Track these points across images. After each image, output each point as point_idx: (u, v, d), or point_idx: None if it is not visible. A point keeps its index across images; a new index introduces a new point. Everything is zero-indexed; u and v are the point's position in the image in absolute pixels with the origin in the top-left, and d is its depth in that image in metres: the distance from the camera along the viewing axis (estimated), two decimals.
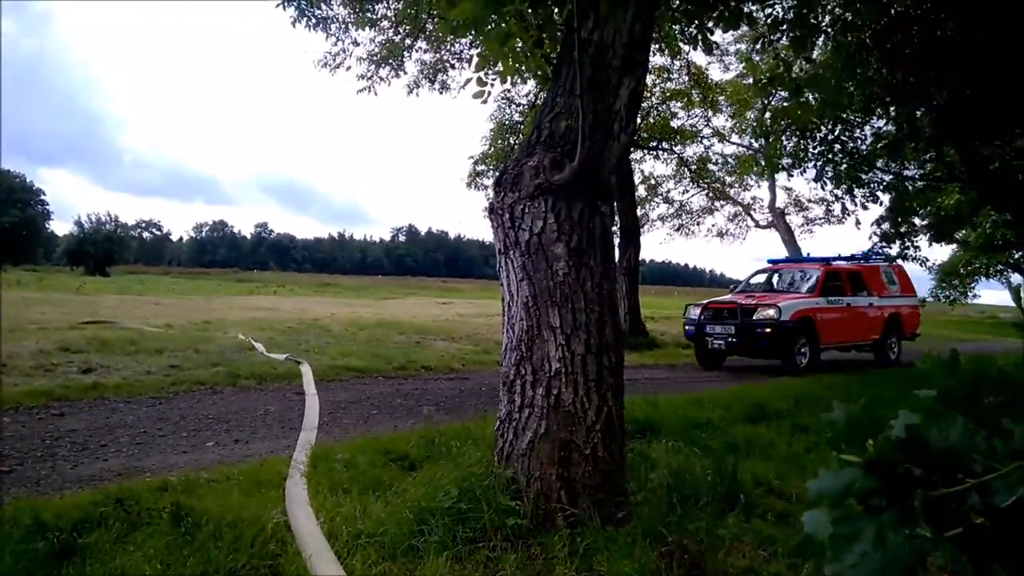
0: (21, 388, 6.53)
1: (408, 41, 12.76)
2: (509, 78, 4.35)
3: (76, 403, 6.30)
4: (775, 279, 13.49)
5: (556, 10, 4.90)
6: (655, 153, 19.37)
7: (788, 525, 3.25)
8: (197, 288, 36.84)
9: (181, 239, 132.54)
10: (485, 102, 4.36)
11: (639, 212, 18.97)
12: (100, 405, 6.31)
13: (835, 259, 13.59)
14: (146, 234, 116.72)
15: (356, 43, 12.50)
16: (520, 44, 4.46)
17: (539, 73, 4.92)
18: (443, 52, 13.85)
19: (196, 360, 8.61)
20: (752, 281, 13.73)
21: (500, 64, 4.09)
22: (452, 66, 14.16)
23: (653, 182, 21.68)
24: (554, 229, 3.34)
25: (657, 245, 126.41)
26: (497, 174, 3.83)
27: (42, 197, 71.63)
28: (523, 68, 4.35)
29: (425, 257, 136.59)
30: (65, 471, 4.39)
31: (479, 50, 4.57)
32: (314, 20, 11.12)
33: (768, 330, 10.86)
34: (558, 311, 3.31)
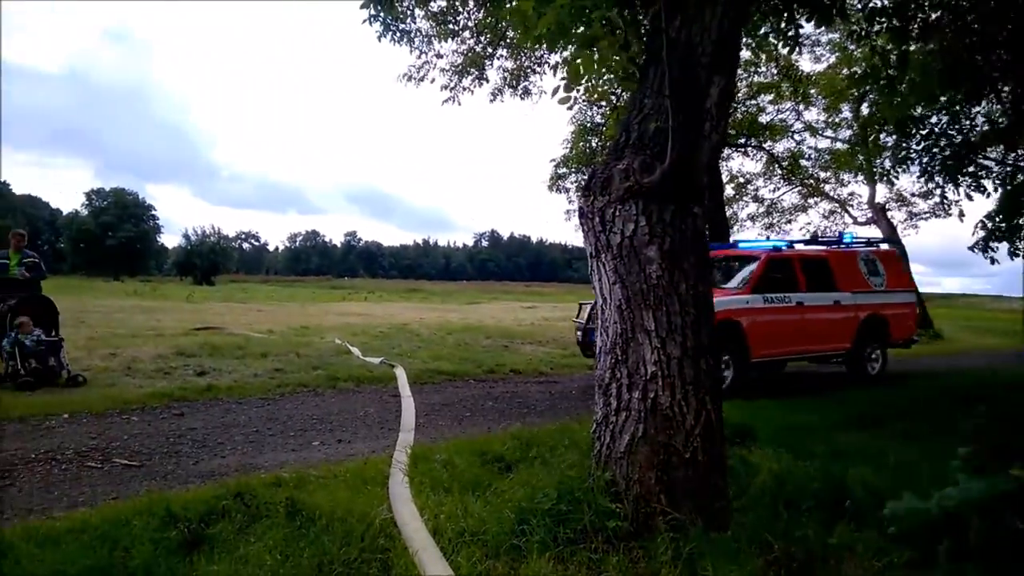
0: (146, 390, 7.13)
1: (489, 50, 12.96)
2: (596, 83, 4.38)
3: (194, 403, 6.81)
4: None
5: (642, 11, 4.86)
6: (743, 150, 18.78)
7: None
8: (293, 295, 38.75)
9: (277, 249, 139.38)
10: (571, 108, 4.38)
11: (727, 212, 18.44)
12: (215, 405, 6.79)
13: (794, 243, 10.52)
14: (246, 245, 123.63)
15: (439, 55, 12.80)
16: (605, 46, 4.46)
17: (624, 75, 4.89)
18: (524, 59, 13.97)
19: (298, 364, 9.10)
20: None
21: (585, 73, 4.08)
22: (533, 71, 14.26)
23: (742, 180, 21.04)
24: (646, 232, 3.30)
25: None
26: (586, 178, 3.82)
27: (153, 212, 77.48)
28: (612, 71, 4.34)
29: (508, 262, 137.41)
30: (188, 467, 4.77)
31: (564, 54, 4.61)
32: (398, 34, 11.48)
33: None
34: (652, 314, 3.27)
